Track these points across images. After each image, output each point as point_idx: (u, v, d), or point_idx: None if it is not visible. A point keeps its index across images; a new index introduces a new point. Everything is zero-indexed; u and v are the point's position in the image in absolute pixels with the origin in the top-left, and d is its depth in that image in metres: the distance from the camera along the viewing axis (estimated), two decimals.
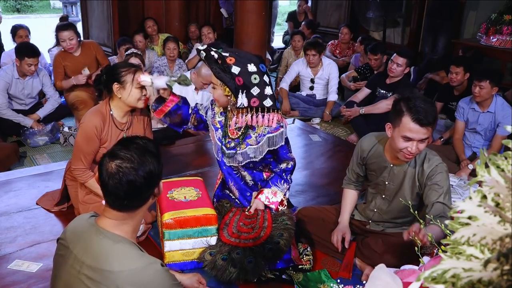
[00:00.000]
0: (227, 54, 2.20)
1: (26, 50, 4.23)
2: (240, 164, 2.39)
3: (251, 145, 2.32)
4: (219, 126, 2.42)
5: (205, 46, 2.26)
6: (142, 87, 2.43)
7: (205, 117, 2.51)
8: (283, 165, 2.41)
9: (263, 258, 2.16)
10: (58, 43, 4.88)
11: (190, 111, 2.51)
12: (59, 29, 4.48)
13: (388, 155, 2.30)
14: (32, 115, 4.42)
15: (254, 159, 2.34)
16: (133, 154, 1.38)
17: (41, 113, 4.50)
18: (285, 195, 2.44)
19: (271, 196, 2.38)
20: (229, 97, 2.25)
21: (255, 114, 2.23)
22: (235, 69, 2.17)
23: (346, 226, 2.46)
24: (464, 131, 3.90)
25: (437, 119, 2.30)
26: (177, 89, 4.13)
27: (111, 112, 2.50)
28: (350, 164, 2.54)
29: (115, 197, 1.38)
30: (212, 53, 2.20)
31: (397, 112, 2.11)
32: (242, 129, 2.33)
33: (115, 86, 2.41)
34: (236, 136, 2.35)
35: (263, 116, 2.24)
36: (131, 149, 1.39)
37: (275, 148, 2.32)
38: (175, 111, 2.45)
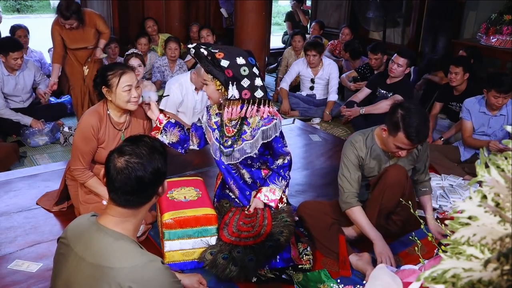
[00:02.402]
0: (216, 50, 2.26)
1: (9, 45, 4.23)
2: (237, 161, 2.39)
3: (247, 140, 2.34)
4: (216, 127, 2.44)
5: (194, 44, 2.31)
6: (130, 89, 2.43)
7: (201, 123, 2.53)
8: (279, 161, 2.42)
9: (263, 256, 2.17)
10: None
11: (186, 129, 2.55)
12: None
13: (385, 147, 2.50)
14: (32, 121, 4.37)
15: (250, 154, 2.36)
16: (141, 150, 1.41)
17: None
18: (284, 192, 2.44)
19: (269, 194, 2.39)
20: (220, 91, 2.28)
21: (246, 105, 2.25)
22: (224, 63, 2.22)
23: (384, 243, 2.37)
24: (473, 130, 3.77)
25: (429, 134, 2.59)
26: (177, 88, 4.15)
27: (108, 112, 2.51)
28: (345, 178, 2.50)
29: (122, 193, 1.39)
30: (202, 50, 2.25)
31: (394, 124, 2.33)
32: (237, 125, 2.35)
33: (104, 89, 2.43)
34: (232, 134, 2.37)
35: (252, 108, 2.26)
36: (140, 146, 1.42)
37: (269, 140, 2.33)
38: (169, 127, 2.49)
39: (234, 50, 2.32)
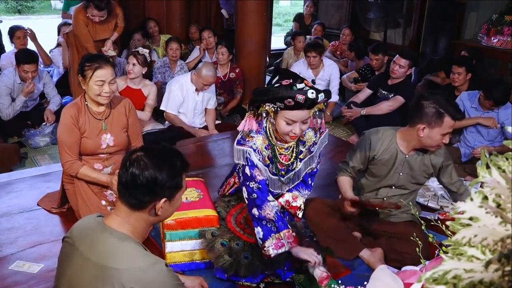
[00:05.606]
0: (289, 81, 1.96)
1: (23, 57, 4.20)
2: (299, 181, 2.32)
3: (303, 159, 2.26)
4: (269, 162, 2.19)
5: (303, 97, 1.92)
6: (102, 84, 2.45)
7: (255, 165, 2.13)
8: (310, 169, 2.34)
9: (259, 259, 2.15)
10: (59, 44, 4.84)
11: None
12: None
13: (404, 147, 2.45)
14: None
15: (312, 166, 2.32)
16: (155, 156, 1.43)
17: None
18: (303, 201, 2.38)
19: (291, 200, 2.34)
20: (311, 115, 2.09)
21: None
22: (302, 85, 1.96)
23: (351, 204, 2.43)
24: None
25: None
26: (178, 89, 4.15)
27: (86, 103, 2.56)
28: (349, 158, 2.58)
29: (129, 187, 1.40)
30: (310, 91, 1.94)
31: (434, 115, 2.28)
32: (293, 148, 2.21)
33: (80, 78, 2.50)
34: (289, 161, 2.22)
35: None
36: (156, 152, 1.45)
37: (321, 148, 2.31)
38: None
39: (289, 72, 2.11)
